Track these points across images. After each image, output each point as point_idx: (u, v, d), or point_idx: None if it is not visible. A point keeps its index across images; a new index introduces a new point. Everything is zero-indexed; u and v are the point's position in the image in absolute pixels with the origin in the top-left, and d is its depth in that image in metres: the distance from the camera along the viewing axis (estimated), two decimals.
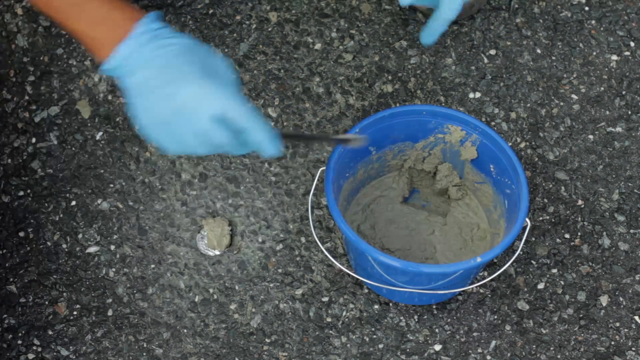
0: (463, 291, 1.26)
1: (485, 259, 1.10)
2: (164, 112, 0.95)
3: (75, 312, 1.25)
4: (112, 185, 1.33)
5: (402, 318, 1.25)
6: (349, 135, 1.13)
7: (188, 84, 0.94)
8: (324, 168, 1.17)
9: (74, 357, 1.23)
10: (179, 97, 0.94)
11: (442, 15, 1.18)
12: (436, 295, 1.21)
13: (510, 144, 1.36)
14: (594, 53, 1.43)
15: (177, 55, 0.96)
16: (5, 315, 1.25)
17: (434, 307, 1.26)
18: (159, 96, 0.95)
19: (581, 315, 1.26)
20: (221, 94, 0.94)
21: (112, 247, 1.29)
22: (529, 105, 1.39)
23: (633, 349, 1.24)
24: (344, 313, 1.25)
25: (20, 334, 1.24)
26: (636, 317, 1.26)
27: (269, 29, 1.44)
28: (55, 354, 1.23)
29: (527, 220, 1.16)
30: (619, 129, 1.38)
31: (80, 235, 1.30)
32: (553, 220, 1.31)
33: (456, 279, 1.15)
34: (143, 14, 0.97)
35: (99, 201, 1.32)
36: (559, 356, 1.23)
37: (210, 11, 1.45)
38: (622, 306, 1.26)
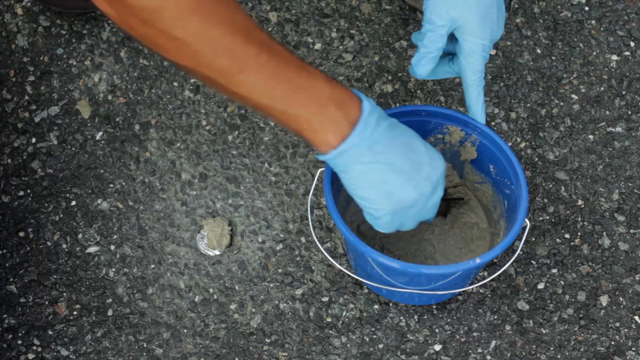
0: (463, 291, 1.26)
1: (485, 260, 1.10)
2: (409, 196, 1.00)
3: (75, 312, 1.25)
4: (112, 185, 1.33)
5: (402, 318, 1.25)
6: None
7: (424, 174, 1.00)
8: (324, 169, 1.17)
9: (74, 357, 1.23)
10: (424, 186, 1.00)
11: (469, 84, 1.12)
12: (436, 295, 1.21)
13: (510, 144, 1.36)
14: (594, 53, 1.43)
15: (405, 139, 0.99)
16: (5, 315, 1.25)
17: (434, 307, 1.26)
18: (405, 181, 0.99)
19: (581, 315, 1.26)
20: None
21: (112, 247, 1.29)
22: (529, 105, 1.39)
23: (633, 349, 1.24)
24: (344, 313, 1.25)
25: (20, 334, 1.24)
26: (636, 317, 1.26)
27: (269, 29, 1.44)
28: (55, 354, 1.23)
29: (527, 220, 1.16)
30: (619, 129, 1.38)
31: (80, 235, 1.30)
32: (553, 220, 1.31)
33: (456, 280, 1.15)
34: (358, 109, 0.95)
35: (99, 201, 1.32)
36: (559, 356, 1.23)
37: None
38: (622, 306, 1.26)
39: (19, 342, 1.23)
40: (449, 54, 1.14)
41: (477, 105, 1.13)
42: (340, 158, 0.96)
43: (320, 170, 1.22)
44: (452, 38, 1.12)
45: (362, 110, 0.95)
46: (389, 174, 0.98)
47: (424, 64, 1.10)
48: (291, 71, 0.91)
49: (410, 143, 1.00)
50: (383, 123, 0.97)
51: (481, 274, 1.27)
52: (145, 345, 1.23)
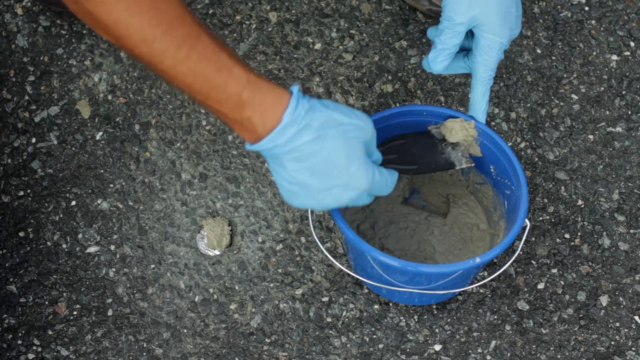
0: (463, 291, 1.26)
1: (484, 260, 1.10)
2: (326, 204, 1.01)
3: (75, 312, 1.25)
4: (112, 185, 1.33)
5: (402, 318, 1.25)
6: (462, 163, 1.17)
7: (348, 192, 1.01)
8: None
9: (74, 357, 1.23)
10: (343, 200, 1.01)
11: (479, 80, 1.11)
12: (436, 295, 1.21)
13: (510, 144, 1.36)
14: (594, 53, 1.43)
15: (330, 159, 0.98)
16: (5, 315, 1.25)
17: (434, 307, 1.26)
18: (316, 196, 1.00)
19: (581, 315, 1.26)
20: (373, 188, 1.02)
21: (112, 247, 1.29)
22: (529, 105, 1.39)
23: (633, 349, 1.24)
24: (344, 313, 1.25)
25: (20, 334, 1.24)
26: (636, 317, 1.26)
27: (269, 29, 1.44)
28: (55, 354, 1.23)
29: (527, 221, 1.16)
30: (619, 129, 1.38)
31: (80, 235, 1.30)
32: (553, 220, 1.31)
33: (455, 279, 1.15)
34: (287, 94, 0.96)
35: (99, 201, 1.32)
36: (559, 356, 1.23)
37: (210, 11, 1.45)
38: (622, 306, 1.26)
39: (19, 342, 1.23)
40: (464, 50, 1.15)
41: (480, 104, 1.13)
42: (262, 150, 0.97)
43: None
44: (468, 34, 1.12)
45: (282, 117, 0.94)
46: (296, 188, 0.99)
47: (440, 60, 1.11)
48: (210, 69, 0.92)
49: (332, 158, 0.98)
50: (304, 136, 0.96)
51: (481, 273, 1.27)
52: (145, 345, 1.23)
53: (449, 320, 1.25)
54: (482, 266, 1.16)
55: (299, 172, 0.97)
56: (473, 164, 1.18)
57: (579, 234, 1.31)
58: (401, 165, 1.14)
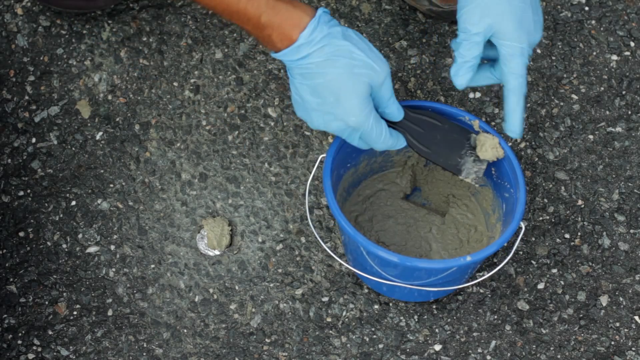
0: (463, 291, 1.26)
1: (475, 259, 1.10)
2: (317, 125, 1.09)
3: (75, 312, 1.25)
4: (112, 185, 1.33)
5: (402, 318, 1.25)
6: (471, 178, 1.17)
7: (337, 122, 1.07)
8: (325, 155, 1.18)
9: (74, 357, 1.23)
10: (331, 128, 1.08)
11: (509, 90, 1.10)
12: (434, 292, 1.21)
13: (510, 144, 1.36)
14: (594, 53, 1.43)
15: (330, 85, 1.05)
16: (5, 315, 1.25)
17: (434, 307, 1.26)
18: (311, 113, 1.08)
19: (581, 315, 1.26)
20: (364, 129, 1.07)
21: (112, 247, 1.29)
22: (529, 105, 1.39)
23: (633, 349, 1.24)
24: (344, 313, 1.25)
25: (20, 334, 1.24)
26: (636, 317, 1.26)
27: None
28: (55, 354, 1.23)
29: (522, 224, 1.16)
30: (619, 129, 1.38)
31: (80, 235, 1.30)
32: (553, 220, 1.31)
33: (448, 277, 1.15)
34: (307, 19, 1.04)
35: (99, 201, 1.32)
36: (559, 356, 1.23)
37: (210, 11, 1.45)
38: (622, 306, 1.26)
39: (19, 342, 1.23)
40: (491, 60, 1.13)
41: (515, 113, 1.10)
42: (282, 60, 1.06)
43: (320, 157, 1.22)
44: (492, 43, 1.10)
45: (297, 38, 1.04)
46: (299, 99, 1.09)
47: (462, 74, 1.10)
48: None
49: (331, 84, 1.05)
50: (313, 57, 1.04)
51: (480, 273, 1.27)
52: (145, 345, 1.23)
53: (449, 320, 1.25)
54: (474, 265, 1.16)
55: (301, 87, 1.06)
56: (478, 185, 1.17)
57: (579, 234, 1.31)
58: (417, 141, 1.15)
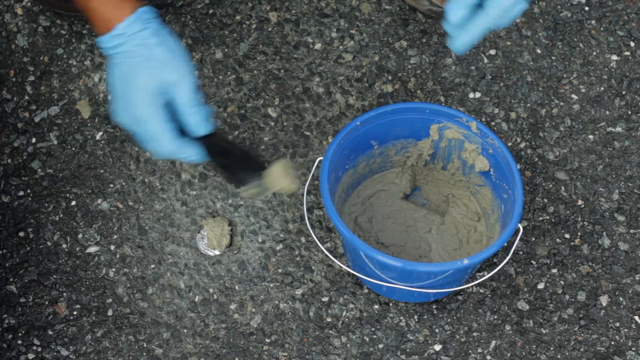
0: (463, 291, 1.26)
1: (472, 262, 1.10)
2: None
3: (75, 312, 1.25)
4: (112, 185, 1.33)
5: (402, 318, 1.25)
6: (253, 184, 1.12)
7: (125, 116, 1.08)
8: (322, 158, 1.18)
9: (74, 357, 1.23)
10: (120, 121, 1.08)
11: (486, 16, 1.01)
12: (434, 293, 1.21)
13: (510, 144, 1.36)
14: (594, 53, 1.43)
15: (125, 76, 1.09)
16: (5, 315, 1.25)
17: (434, 307, 1.26)
18: (114, 102, 1.09)
19: (581, 315, 1.26)
20: (150, 133, 1.07)
21: (112, 247, 1.29)
22: (529, 105, 1.39)
23: (633, 349, 1.24)
24: (344, 313, 1.25)
25: (20, 334, 1.24)
26: (636, 317, 1.26)
27: (269, 29, 1.44)
28: (55, 354, 1.23)
29: (520, 226, 1.16)
30: (619, 129, 1.38)
31: (80, 235, 1.30)
32: (553, 220, 1.31)
33: (447, 278, 1.15)
34: (129, 12, 1.09)
35: (99, 201, 1.32)
36: (559, 356, 1.23)
37: (210, 11, 1.45)
38: (622, 306, 1.26)
39: (19, 342, 1.23)
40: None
41: (470, 32, 1.03)
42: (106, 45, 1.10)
43: (318, 159, 1.22)
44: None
45: (114, 28, 1.08)
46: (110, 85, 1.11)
47: (455, 9, 1.02)
48: None
49: (124, 74, 1.09)
50: (122, 47, 1.09)
51: (480, 273, 1.27)
52: (145, 345, 1.23)
53: (449, 320, 1.25)
54: (474, 267, 1.16)
55: (111, 76, 1.09)
56: (248, 198, 1.14)
57: (579, 234, 1.31)
58: (215, 155, 1.10)
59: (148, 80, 1.08)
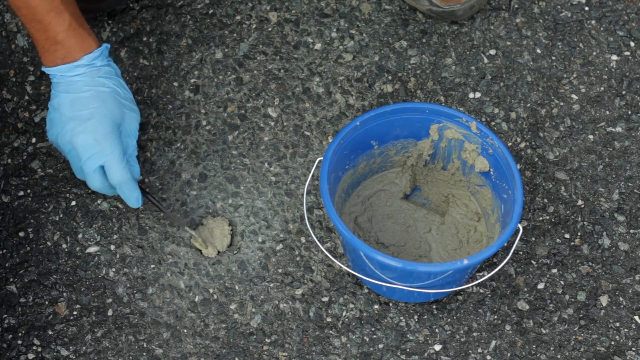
0: (463, 291, 1.26)
1: (472, 262, 1.10)
2: (65, 136, 1.21)
3: (75, 312, 1.25)
4: None
5: (402, 318, 1.25)
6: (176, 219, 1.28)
7: (86, 134, 1.19)
8: (322, 158, 1.18)
9: (74, 357, 1.23)
10: (77, 140, 1.19)
11: None
12: (434, 293, 1.21)
13: (510, 144, 1.36)
14: (594, 53, 1.43)
15: (92, 100, 1.20)
16: (5, 315, 1.25)
17: (434, 307, 1.26)
18: (65, 124, 1.20)
19: (581, 315, 1.26)
20: (109, 153, 1.19)
21: (112, 247, 1.29)
22: (529, 105, 1.39)
23: (633, 349, 1.24)
24: (344, 313, 1.25)
25: (20, 334, 1.24)
26: (636, 317, 1.26)
27: (269, 29, 1.44)
28: (55, 354, 1.23)
29: (520, 225, 1.16)
30: (619, 129, 1.38)
31: (80, 235, 1.30)
32: (553, 220, 1.31)
33: (447, 279, 1.15)
34: (94, 46, 1.20)
35: (99, 201, 1.32)
36: (559, 356, 1.23)
37: (210, 11, 1.45)
38: (622, 306, 1.26)
39: (19, 342, 1.23)
40: None
41: None
42: (53, 75, 1.21)
43: (318, 160, 1.22)
44: None
45: (80, 59, 1.19)
46: (54, 114, 1.22)
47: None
48: (43, 7, 1.16)
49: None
50: (82, 76, 1.20)
51: (480, 273, 1.27)
52: (145, 345, 1.23)
53: (449, 320, 1.25)
54: (474, 267, 1.16)
55: (63, 100, 1.20)
56: (182, 228, 1.28)
57: (579, 234, 1.31)
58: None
59: (117, 111, 1.21)
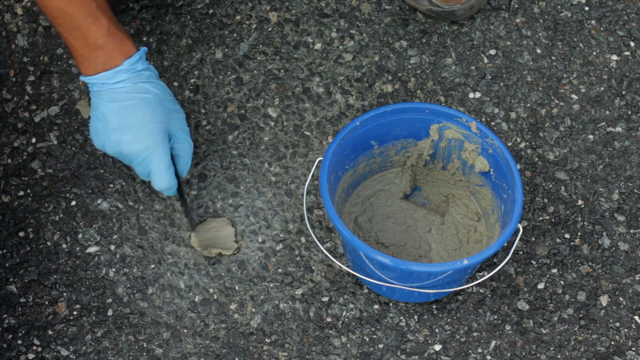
0: (463, 291, 1.26)
1: (472, 262, 1.10)
2: (112, 147, 1.20)
3: (75, 312, 1.25)
4: (112, 185, 1.33)
5: (402, 318, 1.25)
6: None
7: (136, 144, 1.18)
8: (322, 158, 1.18)
9: (74, 357, 1.23)
10: (125, 150, 1.19)
11: None
12: (434, 293, 1.21)
13: (510, 144, 1.36)
14: (594, 53, 1.43)
15: (138, 107, 1.18)
16: (5, 315, 1.25)
17: (434, 307, 1.26)
18: (111, 134, 1.18)
19: (581, 315, 1.26)
20: (157, 163, 1.19)
21: (112, 247, 1.29)
22: (529, 105, 1.39)
23: (633, 349, 1.24)
24: (344, 313, 1.25)
25: (20, 334, 1.24)
26: (636, 317, 1.26)
27: (269, 29, 1.44)
28: (55, 354, 1.23)
29: (519, 226, 1.16)
30: (619, 129, 1.38)
31: (80, 235, 1.30)
32: (553, 220, 1.31)
33: (447, 279, 1.15)
34: (134, 50, 1.17)
35: (99, 201, 1.32)
36: (559, 356, 1.23)
37: (210, 11, 1.45)
38: (622, 306, 1.26)
39: (19, 342, 1.23)
40: None
41: None
42: (93, 84, 1.18)
43: (318, 159, 1.22)
44: None
45: (121, 64, 1.16)
46: (100, 124, 1.20)
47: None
48: (80, 14, 1.13)
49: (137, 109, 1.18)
50: (126, 83, 1.17)
51: (480, 273, 1.27)
52: (145, 345, 1.23)
53: (449, 320, 1.25)
54: (474, 267, 1.16)
55: (108, 109, 1.17)
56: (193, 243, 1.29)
57: (579, 234, 1.31)
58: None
59: (165, 115, 1.19)
